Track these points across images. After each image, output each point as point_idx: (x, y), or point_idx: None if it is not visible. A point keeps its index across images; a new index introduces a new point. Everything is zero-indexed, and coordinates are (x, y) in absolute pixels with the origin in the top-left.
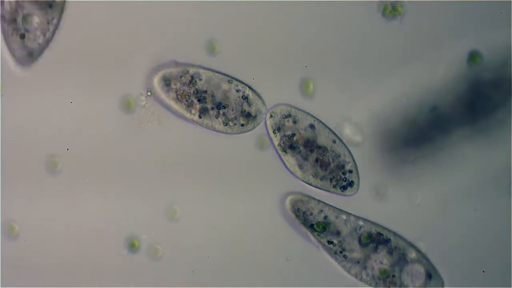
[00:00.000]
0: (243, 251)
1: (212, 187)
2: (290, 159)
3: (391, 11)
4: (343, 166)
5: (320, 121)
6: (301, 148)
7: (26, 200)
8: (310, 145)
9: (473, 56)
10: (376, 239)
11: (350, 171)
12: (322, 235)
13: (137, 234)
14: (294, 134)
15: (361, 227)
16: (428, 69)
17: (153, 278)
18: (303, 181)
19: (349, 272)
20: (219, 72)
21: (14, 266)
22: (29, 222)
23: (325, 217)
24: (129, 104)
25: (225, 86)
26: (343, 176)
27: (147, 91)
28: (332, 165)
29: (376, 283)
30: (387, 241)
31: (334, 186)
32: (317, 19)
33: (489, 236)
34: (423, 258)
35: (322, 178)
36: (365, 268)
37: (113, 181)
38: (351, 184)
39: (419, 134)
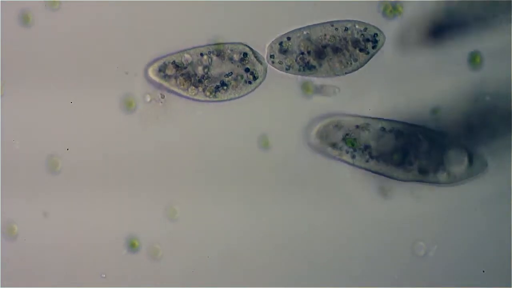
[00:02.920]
0: (243, 251)
1: (212, 186)
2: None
3: (391, 11)
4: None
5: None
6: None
7: (26, 200)
8: (320, 50)
9: (473, 57)
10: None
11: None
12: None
13: (137, 234)
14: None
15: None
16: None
17: (153, 278)
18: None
19: None
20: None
21: (14, 266)
22: (29, 222)
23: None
24: (130, 104)
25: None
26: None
27: (161, 95)
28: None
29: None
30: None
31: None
32: None
33: (489, 236)
34: None
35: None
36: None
37: (113, 181)
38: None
39: None
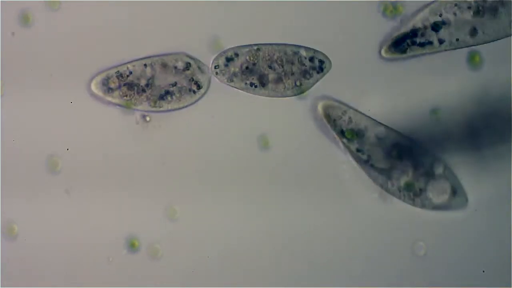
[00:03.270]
0: (243, 251)
1: (212, 186)
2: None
3: (391, 11)
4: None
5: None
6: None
7: (26, 200)
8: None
9: (472, 57)
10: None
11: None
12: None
13: (137, 234)
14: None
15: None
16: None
17: (153, 278)
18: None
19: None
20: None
21: (14, 266)
22: (28, 222)
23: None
24: (129, 106)
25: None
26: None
27: (144, 117)
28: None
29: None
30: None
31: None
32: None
33: (489, 236)
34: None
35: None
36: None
37: (113, 181)
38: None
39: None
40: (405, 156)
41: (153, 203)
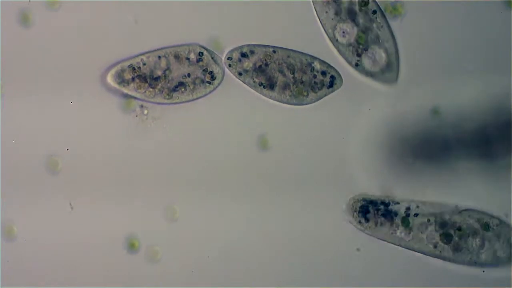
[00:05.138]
0: (243, 251)
1: (212, 186)
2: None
3: (391, 11)
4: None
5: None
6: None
7: (26, 201)
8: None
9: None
10: None
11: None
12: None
13: (137, 234)
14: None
15: None
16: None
17: (153, 278)
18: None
19: None
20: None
21: (14, 265)
22: (28, 222)
23: None
24: (129, 104)
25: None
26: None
27: (142, 107)
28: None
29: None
30: None
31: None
32: None
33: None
34: None
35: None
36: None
37: (113, 180)
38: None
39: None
40: None
41: (152, 203)
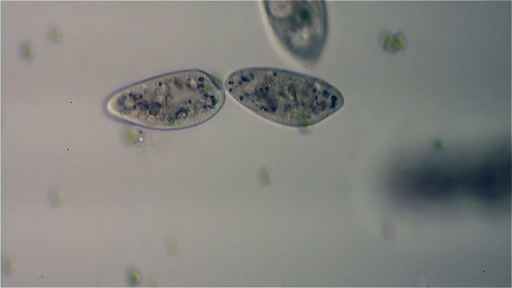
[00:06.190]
0: (243, 251)
1: (213, 186)
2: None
3: (392, 44)
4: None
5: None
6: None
7: (26, 200)
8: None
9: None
10: None
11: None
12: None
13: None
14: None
15: None
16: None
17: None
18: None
19: None
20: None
21: (14, 265)
22: (30, 222)
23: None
24: (131, 136)
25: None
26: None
27: (141, 132)
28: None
29: None
30: None
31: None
32: None
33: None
34: None
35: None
36: None
37: (113, 182)
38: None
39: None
40: None
41: (153, 204)
